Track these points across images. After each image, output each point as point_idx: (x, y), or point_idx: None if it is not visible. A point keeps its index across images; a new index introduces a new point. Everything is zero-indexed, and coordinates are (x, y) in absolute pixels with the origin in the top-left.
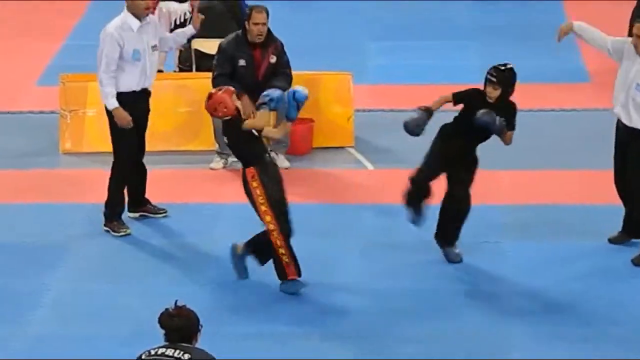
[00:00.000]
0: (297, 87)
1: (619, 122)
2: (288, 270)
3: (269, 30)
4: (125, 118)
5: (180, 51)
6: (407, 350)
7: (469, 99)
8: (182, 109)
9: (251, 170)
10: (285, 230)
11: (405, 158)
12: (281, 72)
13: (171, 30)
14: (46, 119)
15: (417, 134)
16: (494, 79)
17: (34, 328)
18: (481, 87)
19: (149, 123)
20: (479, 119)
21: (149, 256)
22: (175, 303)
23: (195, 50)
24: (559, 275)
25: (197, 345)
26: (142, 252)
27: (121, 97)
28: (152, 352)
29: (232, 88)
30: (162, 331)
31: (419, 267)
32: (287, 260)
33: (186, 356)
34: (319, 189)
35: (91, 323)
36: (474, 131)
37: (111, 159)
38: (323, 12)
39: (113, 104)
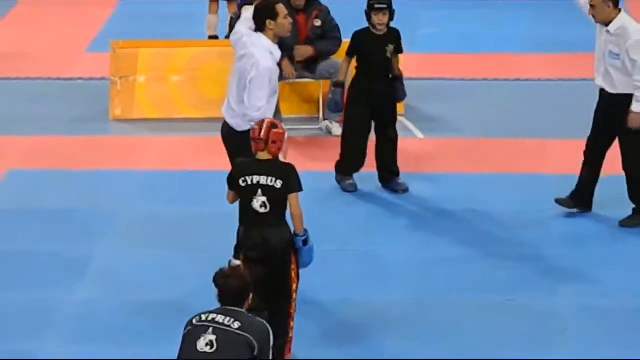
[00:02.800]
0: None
1: (602, 92)
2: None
3: None
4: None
5: (231, 19)
6: (453, 318)
7: (359, 45)
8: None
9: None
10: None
11: (455, 126)
12: (330, 37)
13: None
14: (96, 85)
15: (340, 110)
16: (384, 5)
17: (81, 294)
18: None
19: (199, 90)
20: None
21: (198, 223)
22: (229, 262)
23: None
24: (608, 244)
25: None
26: (191, 219)
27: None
28: (204, 318)
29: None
30: (216, 291)
31: (468, 235)
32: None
33: (236, 324)
34: (369, 156)
35: (138, 289)
36: (379, 71)
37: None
38: None
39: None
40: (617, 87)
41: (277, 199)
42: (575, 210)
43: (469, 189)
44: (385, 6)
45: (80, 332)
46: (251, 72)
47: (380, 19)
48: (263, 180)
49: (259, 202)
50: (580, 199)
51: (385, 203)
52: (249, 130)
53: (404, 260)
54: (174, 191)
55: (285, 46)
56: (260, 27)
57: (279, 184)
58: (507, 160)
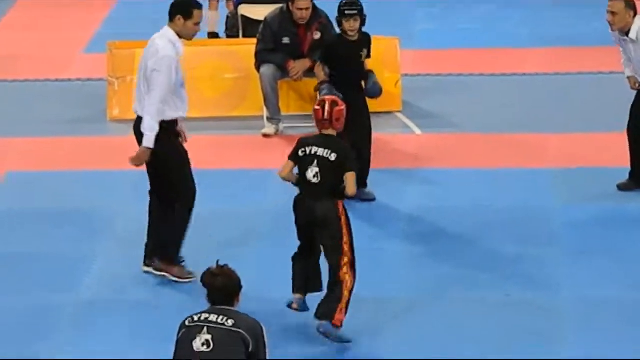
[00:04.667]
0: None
1: None
2: (338, 316)
3: (313, 5)
4: (144, 161)
5: (228, 17)
6: (452, 314)
7: (334, 52)
8: (228, 75)
9: (341, 204)
10: (355, 278)
11: (453, 122)
12: None
13: None
14: (94, 86)
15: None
16: (354, 11)
17: (84, 294)
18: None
19: (196, 90)
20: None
21: (195, 222)
22: (217, 262)
23: (242, 16)
24: (608, 237)
25: (238, 307)
26: None
27: (169, 125)
28: (196, 318)
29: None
30: (205, 290)
31: (466, 230)
32: (343, 306)
33: (230, 322)
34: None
35: (139, 289)
36: (355, 77)
37: None
38: None
39: (152, 141)
40: None
41: (330, 172)
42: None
43: (467, 184)
44: (355, 12)
45: (83, 333)
46: (150, 59)
47: (351, 25)
48: (320, 151)
49: (312, 172)
50: (639, 176)
51: (383, 200)
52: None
53: (402, 256)
54: None
55: (290, 57)
56: (170, 17)
57: (333, 157)
58: (506, 155)
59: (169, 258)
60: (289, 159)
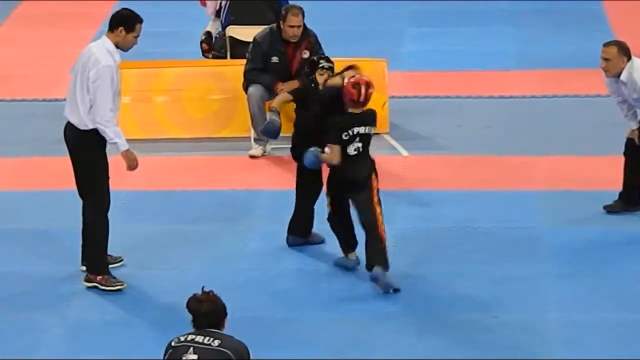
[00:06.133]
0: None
1: None
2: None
3: (303, 24)
4: (136, 159)
5: (216, 38)
6: (437, 335)
7: (305, 94)
8: (216, 96)
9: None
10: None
11: (440, 144)
12: None
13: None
14: None
15: (276, 136)
16: (330, 64)
17: (73, 314)
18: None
19: (185, 110)
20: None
21: (182, 243)
22: (202, 289)
23: (230, 37)
24: (594, 260)
25: (224, 332)
26: (175, 239)
27: (97, 134)
28: (182, 339)
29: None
30: (190, 317)
31: (453, 252)
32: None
33: (216, 342)
34: None
35: (127, 309)
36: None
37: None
38: None
39: (125, 143)
40: None
41: (368, 143)
42: (625, 211)
43: (454, 206)
44: (330, 65)
45: (71, 352)
46: (91, 69)
47: (321, 78)
48: (362, 130)
49: (353, 147)
50: (628, 199)
51: None
52: (93, 129)
53: (392, 276)
54: (160, 211)
55: (279, 77)
56: (111, 27)
57: (372, 130)
58: (493, 177)
59: (95, 268)
60: (334, 143)
